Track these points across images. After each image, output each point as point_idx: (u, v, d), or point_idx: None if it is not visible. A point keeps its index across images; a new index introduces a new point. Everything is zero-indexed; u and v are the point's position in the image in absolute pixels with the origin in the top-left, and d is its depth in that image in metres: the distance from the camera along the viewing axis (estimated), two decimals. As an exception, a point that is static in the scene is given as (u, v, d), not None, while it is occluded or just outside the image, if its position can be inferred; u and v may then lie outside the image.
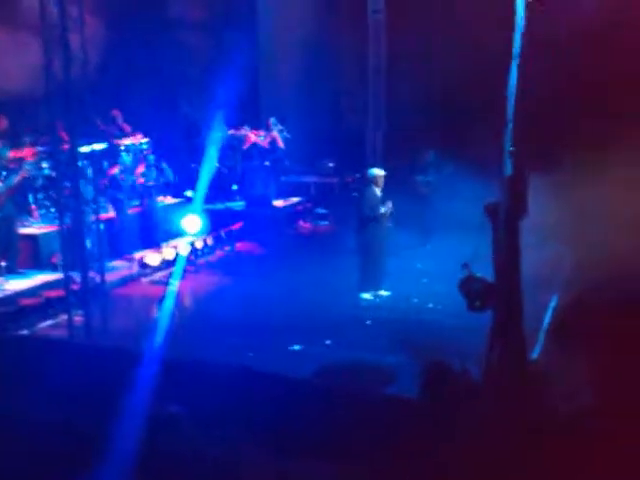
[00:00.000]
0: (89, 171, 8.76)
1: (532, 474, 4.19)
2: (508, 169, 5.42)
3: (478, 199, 5.82)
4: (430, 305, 8.85)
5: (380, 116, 14.78)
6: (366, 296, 9.11)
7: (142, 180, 11.56)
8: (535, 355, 6.56)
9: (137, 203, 11.58)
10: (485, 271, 5.57)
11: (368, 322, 8.37)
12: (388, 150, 14.65)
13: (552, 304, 8.29)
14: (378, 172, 9.26)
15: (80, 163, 8.21)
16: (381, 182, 9.14)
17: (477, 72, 13.04)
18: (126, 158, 11.58)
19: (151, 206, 11.64)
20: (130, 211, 11.42)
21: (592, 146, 9.92)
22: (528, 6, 5.34)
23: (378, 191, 9.10)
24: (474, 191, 8.39)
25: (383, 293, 9.19)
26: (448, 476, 4.24)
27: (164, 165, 12.02)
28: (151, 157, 11.88)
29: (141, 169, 11.60)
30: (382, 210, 8.95)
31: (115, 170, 11.24)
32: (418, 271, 10.08)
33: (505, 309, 5.40)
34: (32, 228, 10.21)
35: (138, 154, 11.89)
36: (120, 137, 11.92)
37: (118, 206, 11.11)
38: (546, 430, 4.50)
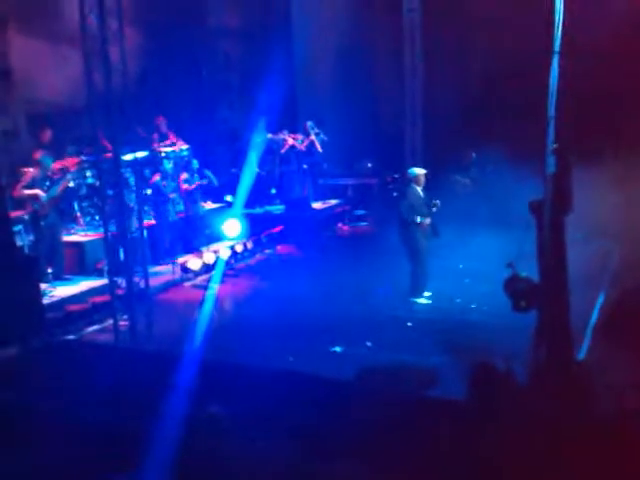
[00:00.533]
0: (132, 179, 8.92)
1: (578, 474, 4.12)
2: (551, 166, 5.33)
3: (521, 197, 5.74)
4: (473, 305, 8.74)
5: (418, 115, 14.70)
6: (420, 301, 8.98)
7: (185, 186, 11.70)
8: (582, 355, 6.43)
9: (180, 209, 11.73)
10: (530, 270, 5.48)
11: (409, 323, 8.30)
12: (427, 149, 14.57)
13: (599, 302, 8.12)
14: (419, 171, 9.15)
15: (123, 171, 8.35)
16: (422, 181, 9.03)
17: (516, 69, 12.89)
18: (168, 165, 11.74)
19: (194, 211, 11.77)
20: (173, 217, 11.56)
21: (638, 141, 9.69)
22: (567, 2, 5.25)
23: (420, 190, 9.01)
24: (516, 189, 8.28)
25: (428, 294, 9.07)
26: (494, 477, 4.19)
27: (207, 172, 12.16)
28: (195, 163, 12.02)
29: (184, 175, 11.76)
30: (418, 220, 8.80)
31: (157, 177, 11.41)
32: (460, 271, 9.96)
33: (551, 309, 5.31)
34: (78, 235, 10.44)
35: (180, 161, 12.05)
36: (162, 143, 12.10)
37: (161, 212, 11.28)
38: (592, 431, 4.41)
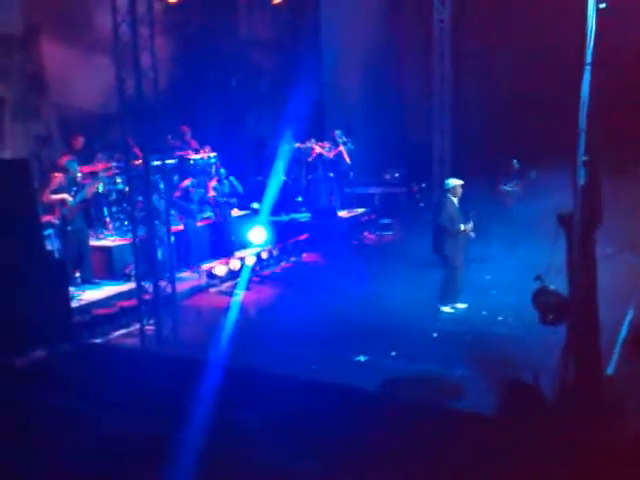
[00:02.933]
0: (161, 185, 9.01)
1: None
2: (582, 178, 5.27)
3: (550, 209, 5.68)
4: (500, 318, 8.65)
5: (446, 125, 14.65)
6: (445, 309, 8.92)
7: (214, 193, 11.80)
8: (610, 370, 6.32)
9: (208, 215, 11.80)
10: (559, 283, 5.41)
11: (435, 334, 8.25)
12: (455, 159, 14.50)
13: (628, 317, 7.98)
14: (455, 182, 8.96)
15: (153, 178, 8.44)
16: (459, 192, 8.87)
17: (546, 80, 12.80)
18: (203, 173, 11.85)
19: (224, 218, 11.85)
20: (200, 223, 11.66)
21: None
22: (599, 13, 5.20)
23: (456, 201, 8.86)
24: (547, 201, 8.18)
25: (460, 306, 8.98)
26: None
27: (232, 178, 12.25)
28: (222, 171, 12.13)
29: (213, 183, 11.86)
30: (462, 227, 8.72)
31: (186, 183, 11.52)
32: (487, 282, 9.87)
33: (580, 323, 5.23)
34: (106, 240, 10.56)
35: (208, 168, 12.16)
36: (189, 151, 12.23)
37: (188, 218, 11.38)
38: (622, 448, 4.33)
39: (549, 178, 9.73)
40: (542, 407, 4.67)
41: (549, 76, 12.68)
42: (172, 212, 11.23)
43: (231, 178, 12.21)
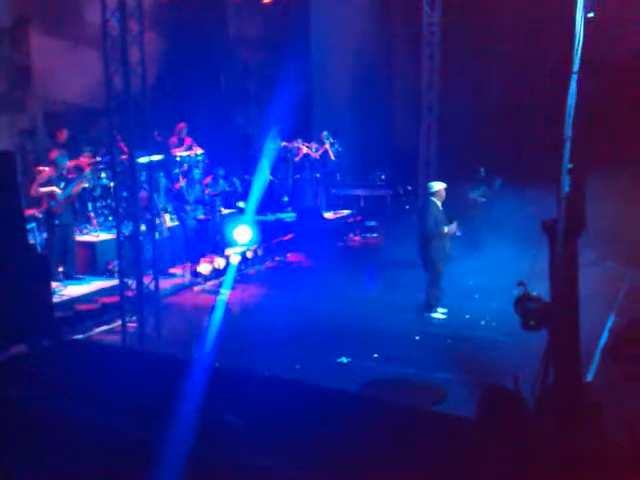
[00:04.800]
0: (162, 180, 8.95)
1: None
2: (566, 186, 5.31)
3: (534, 215, 5.73)
4: (483, 322, 8.70)
5: (433, 129, 14.71)
6: (436, 315, 8.90)
7: (207, 190, 11.77)
8: (590, 376, 6.38)
9: (200, 214, 11.75)
10: (541, 289, 5.45)
11: (417, 337, 8.28)
12: (441, 163, 14.57)
13: (608, 325, 8.06)
14: (439, 185, 8.98)
15: (137, 174, 8.40)
16: (443, 195, 8.89)
17: (533, 86, 12.91)
18: (196, 171, 11.81)
19: (213, 217, 11.82)
20: (191, 222, 11.60)
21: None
22: (587, 23, 5.24)
23: (440, 204, 8.88)
24: (530, 206, 8.26)
25: (441, 311, 8.97)
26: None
27: (234, 179, 12.28)
28: (221, 171, 12.13)
29: (208, 180, 11.84)
30: (445, 229, 8.72)
31: (184, 182, 11.50)
32: (470, 287, 9.93)
33: (561, 329, 5.28)
34: (90, 236, 10.50)
35: (195, 165, 12.11)
36: (179, 148, 12.19)
37: (180, 217, 11.35)
38: (602, 457, 4.37)
39: (531, 185, 9.82)
40: (521, 411, 4.70)
41: (536, 83, 12.80)
42: (169, 207, 11.26)
43: (233, 179, 12.25)
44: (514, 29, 13.72)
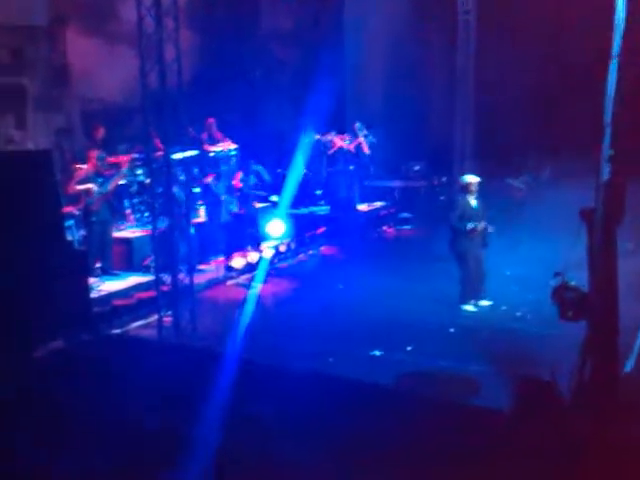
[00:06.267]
0: (182, 177, 9.03)
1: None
2: (605, 174, 5.18)
3: (573, 204, 5.60)
4: (519, 313, 8.57)
5: (469, 119, 14.52)
6: (468, 307, 8.82)
7: (240, 185, 11.81)
8: (628, 369, 6.23)
9: (233, 208, 11.81)
10: (580, 279, 5.34)
11: (452, 330, 8.19)
12: (477, 153, 14.37)
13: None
14: (471, 179, 8.81)
15: (173, 170, 8.47)
16: (474, 189, 8.72)
17: (573, 72, 12.62)
18: (223, 166, 11.88)
19: (247, 211, 11.86)
20: (225, 217, 11.66)
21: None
22: (629, 4, 5.08)
23: (472, 199, 8.72)
24: (569, 195, 8.07)
25: (484, 303, 8.85)
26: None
27: (260, 168, 12.27)
28: (252, 164, 12.15)
29: (239, 174, 11.89)
30: (470, 226, 8.53)
31: (211, 177, 11.57)
32: (507, 278, 9.78)
33: (599, 320, 5.16)
34: (127, 232, 10.63)
35: (228, 161, 12.17)
36: (211, 144, 12.26)
37: (212, 212, 11.41)
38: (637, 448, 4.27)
39: (568, 174, 9.61)
40: (558, 404, 4.61)
41: (575, 70, 12.52)
42: (198, 204, 11.31)
43: (259, 168, 12.24)
44: (551, 14, 13.40)
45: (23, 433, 5.30)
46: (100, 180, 9.66)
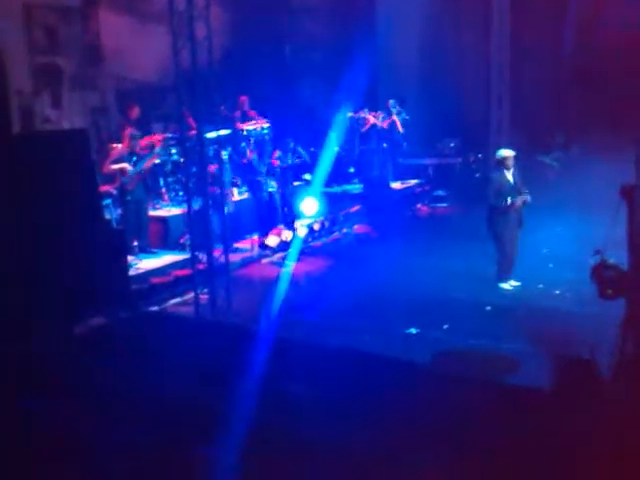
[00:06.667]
0: (225, 155, 8.99)
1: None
2: (646, 149, 5.05)
3: (612, 181, 5.49)
4: (557, 292, 8.46)
5: (505, 93, 14.25)
6: (504, 286, 8.70)
7: (277, 162, 11.81)
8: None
9: (272, 186, 11.76)
10: (619, 257, 5.25)
11: (488, 308, 8.13)
12: (514, 129, 14.11)
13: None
14: (506, 153, 8.63)
15: (207, 148, 8.50)
16: (509, 164, 8.53)
17: (610, 50, 12.30)
18: (258, 144, 11.85)
19: (284, 189, 11.86)
20: (264, 195, 11.66)
21: None
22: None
23: (508, 174, 8.53)
24: (607, 172, 7.91)
25: (513, 284, 8.72)
26: (576, 472, 4.07)
27: (299, 148, 12.25)
28: (290, 142, 12.13)
29: (277, 153, 11.89)
30: (509, 201, 8.36)
31: (253, 154, 11.57)
32: (544, 256, 9.65)
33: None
34: (162, 211, 10.75)
35: (261, 138, 12.15)
36: (244, 122, 12.25)
37: (253, 189, 11.44)
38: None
39: (600, 150, 9.39)
40: (598, 383, 4.56)
41: (609, 49, 12.19)
42: (238, 181, 11.32)
43: (299, 149, 12.22)
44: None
45: (66, 404, 5.44)
46: (134, 159, 9.75)
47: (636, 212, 5.09)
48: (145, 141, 10.49)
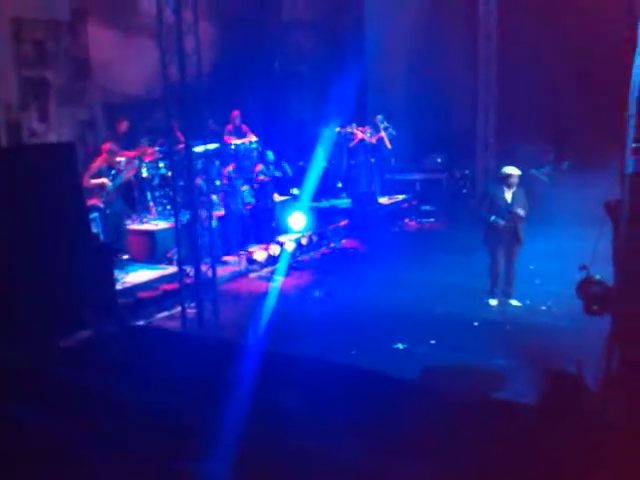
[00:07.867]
0: (204, 170, 9.06)
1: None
2: (630, 166, 5.11)
3: (599, 196, 5.54)
4: (543, 307, 8.51)
5: (491, 110, 14.39)
6: (491, 302, 8.73)
7: (260, 177, 11.83)
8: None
9: (250, 201, 11.82)
10: (604, 273, 5.29)
11: (475, 323, 8.15)
12: (500, 145, 14.23)
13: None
14: (511, 171, 8.38)
15: (194, 162, 8.50)
16: (513, 182, 8.32)
17: (595, 63, 12.45)
18: (246, 160, 11.88)
19: (265, 204, 11.87)
20: (241, 209, 11.69)
21: None
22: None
23: (507, 193, 8.37)
24: (594, 187, 7.97)
25: (514, 303, 8.67)
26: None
27: (283, 163, 12.28)
28: (270, 155, 12.14)
29: (259, 167, 11.90)
30: (493, 219, 8.34)
31: (231, 167, 11.58)
32: (531, 271, 9.70)
33: (625, 313, 5.10)
34: (150, 224, 10.71)
35: (250, 153, 12.18)
36: (236, 137, 12.27)
37: (227, 202, 11.43)
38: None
39: (588, 165, 9.48)
40: (584, 398, 4.58)
41: (599, 59, 12.33)
42: (215, 197, 11.31)
43: (283, 163, 12.24)
44: (574, 3, 13.20)
45: (52, 417, 5.39)
46: (113, 173, 9.75)
47: (620, 227, 5.14)
48: (131, 154, 10.49)
